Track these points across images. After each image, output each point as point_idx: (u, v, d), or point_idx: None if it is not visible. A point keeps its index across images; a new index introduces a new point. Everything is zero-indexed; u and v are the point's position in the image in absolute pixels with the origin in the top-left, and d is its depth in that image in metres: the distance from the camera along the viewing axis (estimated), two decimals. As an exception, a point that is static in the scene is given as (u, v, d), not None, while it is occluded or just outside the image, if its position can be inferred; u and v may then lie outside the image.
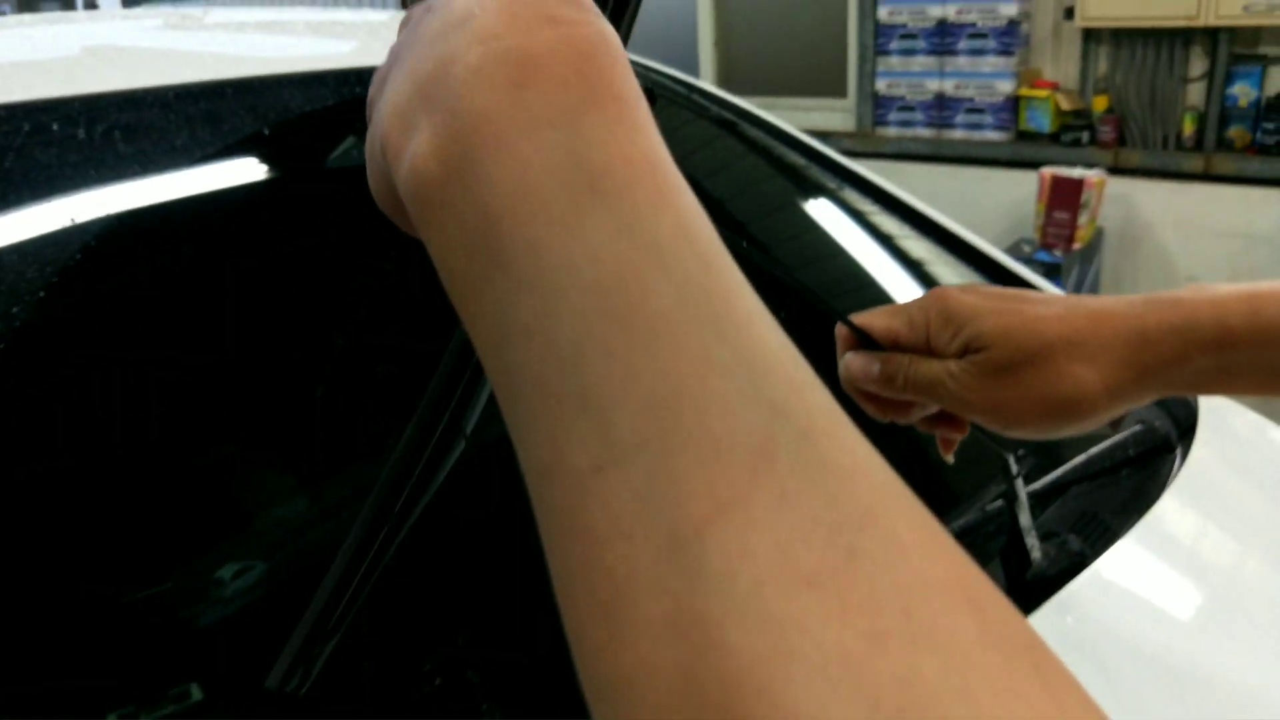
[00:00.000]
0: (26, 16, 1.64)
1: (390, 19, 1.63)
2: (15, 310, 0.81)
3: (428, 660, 0.68)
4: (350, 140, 1.04)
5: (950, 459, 0.61)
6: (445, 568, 0.76)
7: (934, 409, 0.58)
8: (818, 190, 1.47)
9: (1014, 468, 0.71)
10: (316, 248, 1.00)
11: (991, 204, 3.92)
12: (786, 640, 0.19)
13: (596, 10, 0.29)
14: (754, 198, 1.47)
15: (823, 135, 4.07)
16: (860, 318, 0.58)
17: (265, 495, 0.86)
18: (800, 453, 0.22)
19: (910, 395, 0.56)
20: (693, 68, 4.61)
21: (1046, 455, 0.96)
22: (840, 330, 0.59)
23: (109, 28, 1.48)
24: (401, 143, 0.27)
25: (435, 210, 0.26)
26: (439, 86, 0.27)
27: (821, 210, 1.46)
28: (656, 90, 1.49)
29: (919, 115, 4.17)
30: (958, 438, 0.61)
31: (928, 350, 0.56)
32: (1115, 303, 0.55)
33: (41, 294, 0.83)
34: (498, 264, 0.24)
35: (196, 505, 0.81)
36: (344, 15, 1.69)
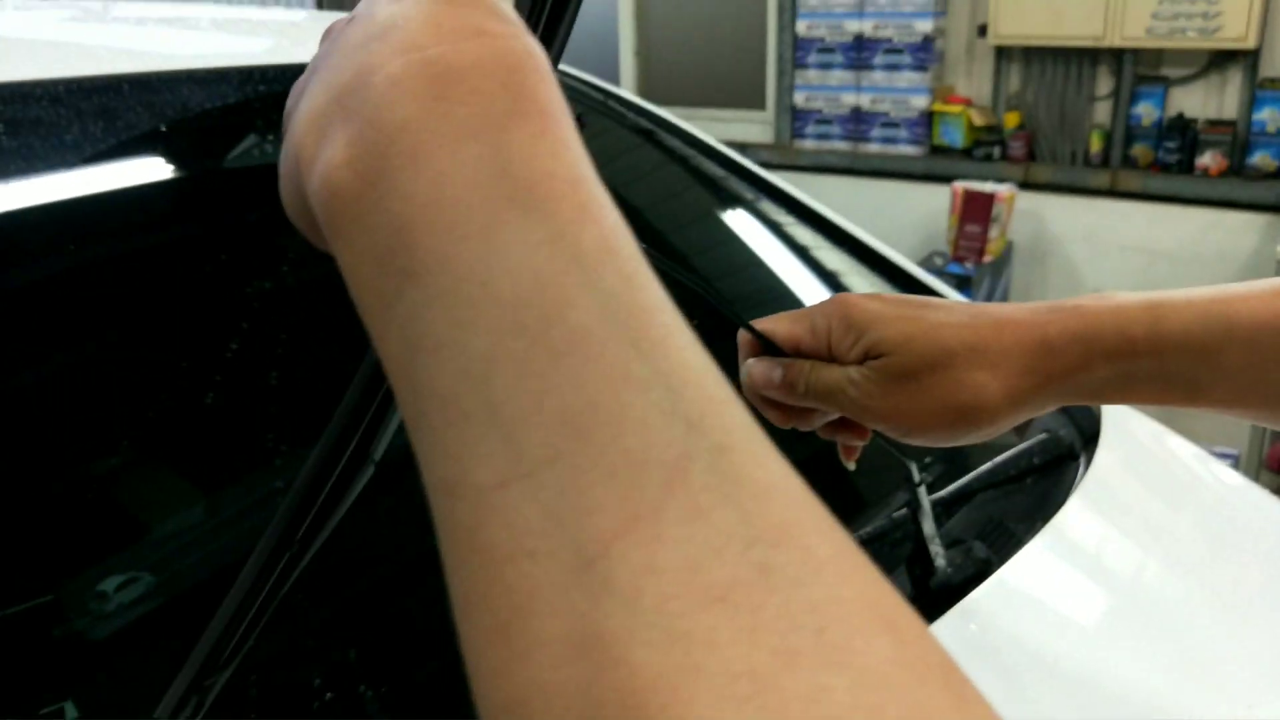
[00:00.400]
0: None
1: (305, 19, 1.60)
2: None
3: (318, 674, 0.66)
4: (250, 139, 1.01)
5: (852, 466, 0.60)
6: (338, 583, 0.74)
7: (836, 416, 0.58)
8: (735, 201, 1.47)
9: (916, 475, 0.71)
10: (212, 250, 0.96)
11: (906, 216, 3.99)
12: (693, 657, 0.19)
13: (523, 24, 0.28)
14: (672, 207, 1.47)
15: (741, 147, 4.10)
16: (763, 323, 0.57)
17: (154, 506, 0.83)
18: (715, 468, 0.21)
19: (811, 402, 0.56)
20: (613, 78, 4.61)
21: (952, 463, 0.96)
22: (743, 336, 0.58)
23: (6, 18, 1.42)
24: (315, 152, 0.27)
25: (347, 222, 0.26)
26: (356, 96, 0.26)
27: (739, 220, 1.46)
28: (578, 99, 1.49)
29: (836, 129, 4.22)
30: (859, 444, 0.60)
31: (830, 356, 0.55)
32: (1017, 310, 0.54)
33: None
34: (410, 276, 0.24)
35: (79, 515, 0.78)
36: (254, 13, 1.65)
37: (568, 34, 0.34)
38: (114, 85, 0.99)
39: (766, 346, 0.57)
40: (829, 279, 1.37)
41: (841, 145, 4.22)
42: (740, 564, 0.20)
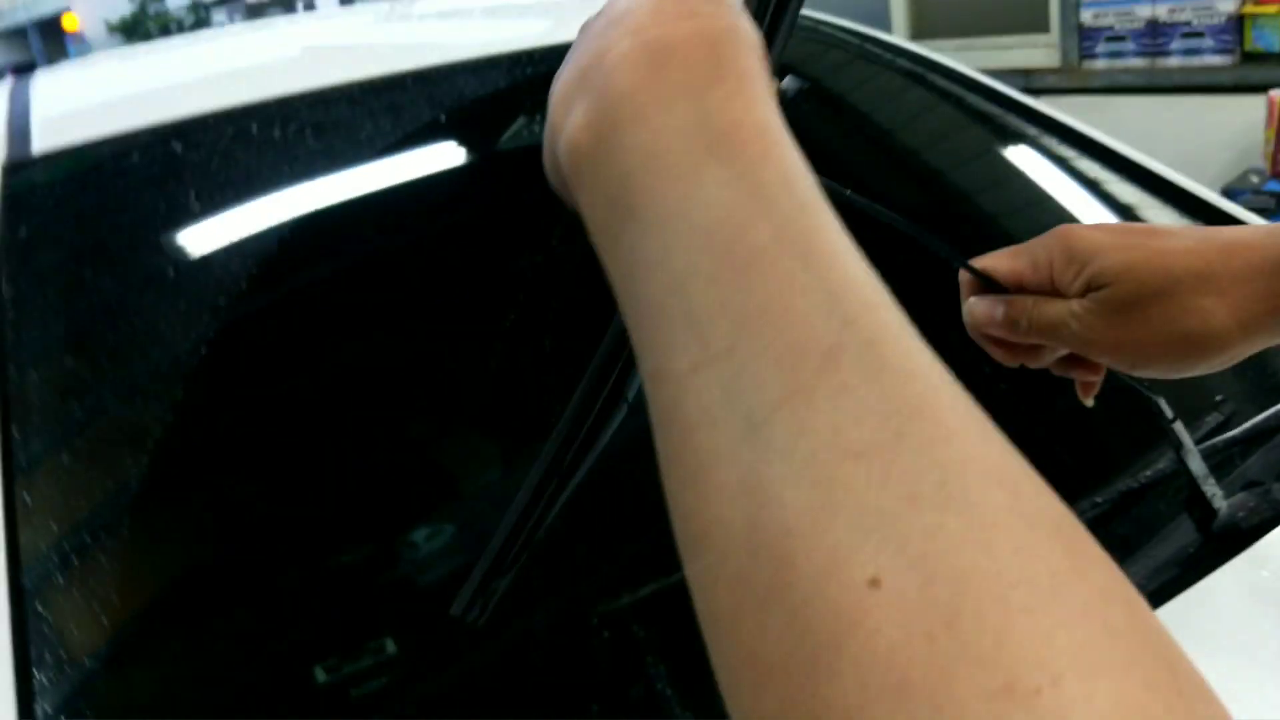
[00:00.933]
0: (247, 23, 1.77)
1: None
2: (228, 303, 0.89)
3: (595, 614, 0.71)
4: (521, 121, 1.08)
5: (1090, 402, 0.58)
6: (613, 529, 0.79)
7: (1064, 351, 0.56)
8: (1010, 136, 1.41)
9: (1168, 412, 0.66)
10: (493, 229, 1.04)
11: (1215, 133, 3.65)
12: (833, 497, 0.23)
13: (733, 5, 0.34)
14: (943, 147, 1.43)
15: (1025, 74, 3.89)
16: (983, 260, 0.56)
17: (458, 466, 0.91)
18: (863, 356, 0.25)
19: (1036, 338, 0.55)
20: (883, 15, 4.48)
21: (1250, 400, 0.90)
22: (964, 275, 0.57)
23: (322, 27, 1.57)
24: (564, 120, 0.33)
25: (585, 174, 0.32)
26: (594, 72, 0.32)
27: (1016, 156, 1.40)
28: (839, 46, 1.48)
29: (1130, 45, 3.91)
30: (1095, 380, 0.58)
31: (1052, 290, 0.54)
32: (1250, 233, 0.51)
33: (250, 287, 0.90)
34: (631, 214, 0.30)
35: (394, 477, 0.87)
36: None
37: (797, 10, 0.38)
38: (399, 82, 1.09)
39: (987, 284, 0.56)
40: (1121, 213, 1.30)
41: (1137, 62, 3.91)
42: (879, 429, 0.24)
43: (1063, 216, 1.28)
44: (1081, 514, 0.79)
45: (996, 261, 0.56)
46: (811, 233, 0.28)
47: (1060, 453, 0.88)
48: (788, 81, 0.40)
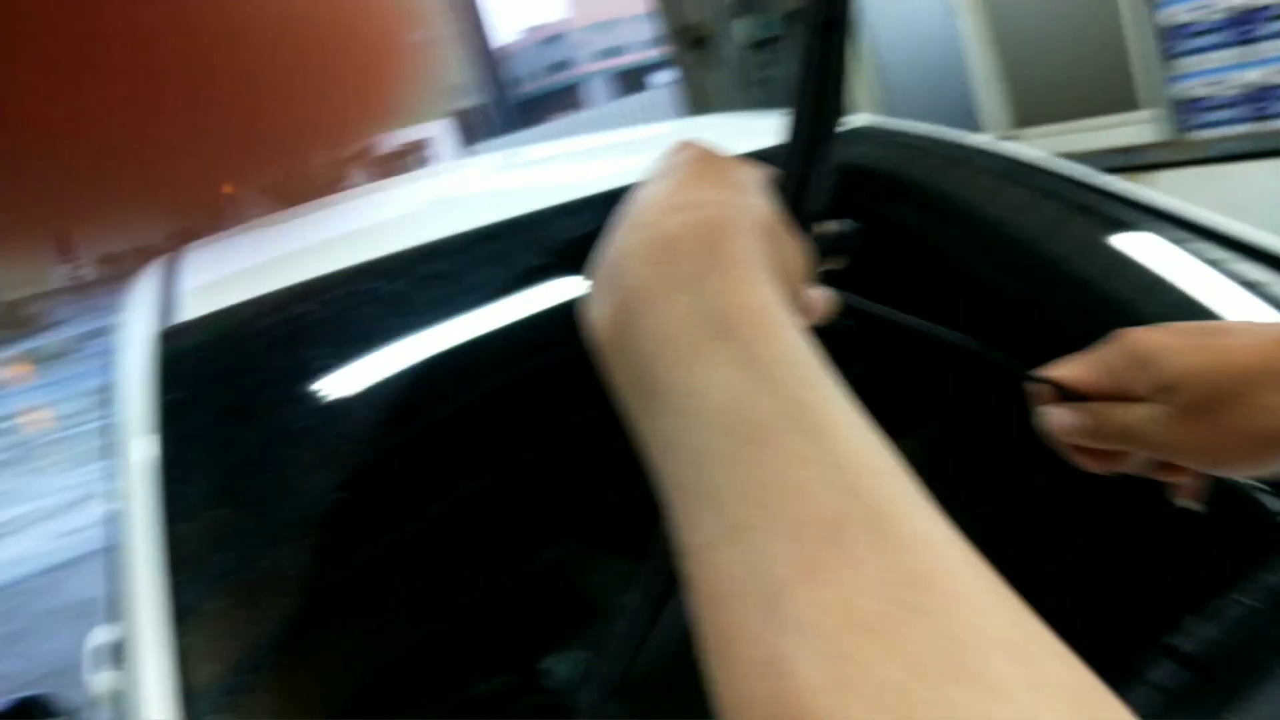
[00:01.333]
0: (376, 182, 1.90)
1: (667, 131, 1.72)
2: (364, 445, 0.95)
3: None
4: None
5: (1192, 505, 0.56)
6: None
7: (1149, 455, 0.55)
8: (1118, 226, 1.40)
9: (1274, 505, 0.64)
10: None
11: (1335, 193, 3.53)
12: (845, 672, 0.24)
13: (738, 184, 0.38)
14: (1055, 242, 1.42)
15: (1127, 152, 3.84)
16: (1055, 370, 0.56)
17: (591, 591, 0.94)
18: (869, 526, 0.27)
19: (1115, 444, 0.54)
20: (967, 110, 4.49)
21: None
22: (1036, 385, 0.57)
23: (439, 183, 1.66)
24: (592, 313, 0.37)
25: (612, 360, 0.35)
26: (614, 269, 0.36)
27: (1128, 246, 1.39)
28: (925, 153, 1.51)
29: (1232, 112, 3.84)
30: (1186, 481, 0.56)
31: (1125, 396, 0.53)
32: None
33: (383, 429, 0.97)
34: (650, 398, 0.33)
35: (529, 605, 0.91)
36: (620, 135, 1.81)
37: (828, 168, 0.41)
38: (501, 230, 1.16)
39: (1062, 393, 0.56)
40: (1250, 289, 1.26)
41: (1242, 129, 3.83)
42: (887, 601, 0.25)
43: (1182, 301, 1.26)
44: (1221, 611, 0.76)
45: (1070, 370, 0.56)
46: (813, 405, 0.30)
47: (1185, 555, 0.85)
48: (842, 224, 0.43)
